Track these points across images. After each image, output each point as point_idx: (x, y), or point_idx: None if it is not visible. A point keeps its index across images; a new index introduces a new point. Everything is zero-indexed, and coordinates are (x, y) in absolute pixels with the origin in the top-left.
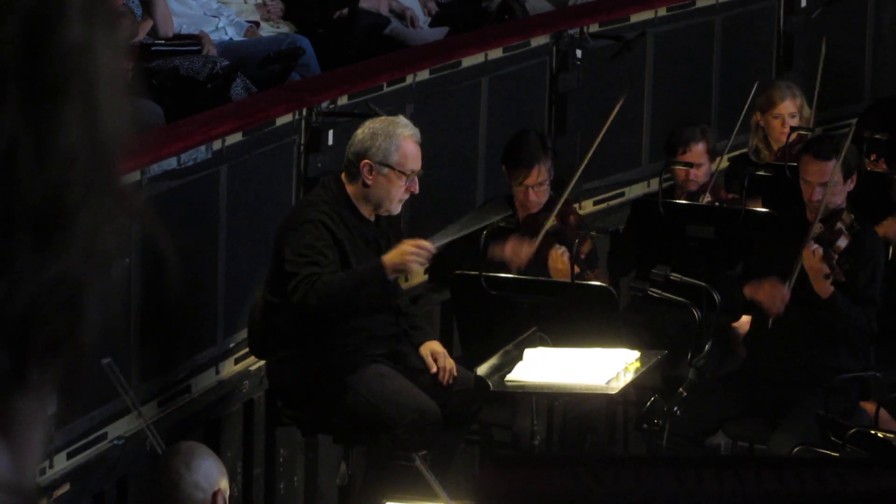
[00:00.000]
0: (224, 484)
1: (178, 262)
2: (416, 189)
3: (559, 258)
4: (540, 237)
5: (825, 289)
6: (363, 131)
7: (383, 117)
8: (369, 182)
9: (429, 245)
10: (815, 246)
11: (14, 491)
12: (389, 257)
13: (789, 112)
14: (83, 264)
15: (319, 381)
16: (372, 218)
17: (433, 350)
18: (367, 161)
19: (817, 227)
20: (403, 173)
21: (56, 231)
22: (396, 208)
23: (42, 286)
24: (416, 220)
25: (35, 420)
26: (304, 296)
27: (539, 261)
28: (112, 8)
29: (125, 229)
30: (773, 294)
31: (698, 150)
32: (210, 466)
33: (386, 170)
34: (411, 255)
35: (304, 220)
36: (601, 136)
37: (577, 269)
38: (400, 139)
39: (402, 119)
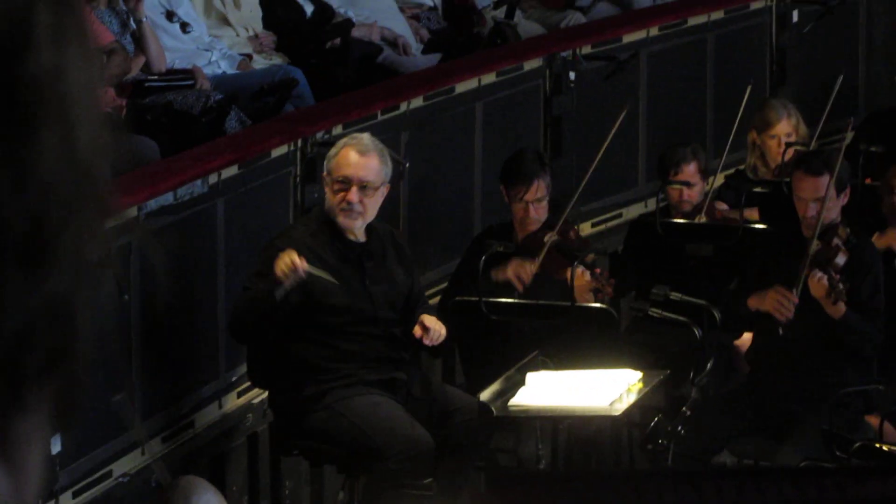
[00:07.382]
0: None
1: (168, 267)
2: (353, 198)
3: (581, 277)
4: (543, 253)
5: (837, 310)
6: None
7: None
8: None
9: (299, 264)
10: (819, 274)
11: None
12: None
13: (785, 132)
14: (72, 281)
15: (314, 408)
16: (360, 238)
17: (422, 321)
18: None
19: (815, 245)
20: (336, 180)
21: (42, 256)
22: (345, 222)
23: (33, 310)
24: (414, 246)
25: (33, 440)
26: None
27: (544, 280)
28: (82, 26)
29: (112, 239)
30: (781, 300)
31: (690, 170)
32: (209, 501)
33: (327, 178)
34: (286, 271)
35: (268, 245)
36: (604, 147)
37: (595, 284)
38: (340, 147)
39: (365, 135)
